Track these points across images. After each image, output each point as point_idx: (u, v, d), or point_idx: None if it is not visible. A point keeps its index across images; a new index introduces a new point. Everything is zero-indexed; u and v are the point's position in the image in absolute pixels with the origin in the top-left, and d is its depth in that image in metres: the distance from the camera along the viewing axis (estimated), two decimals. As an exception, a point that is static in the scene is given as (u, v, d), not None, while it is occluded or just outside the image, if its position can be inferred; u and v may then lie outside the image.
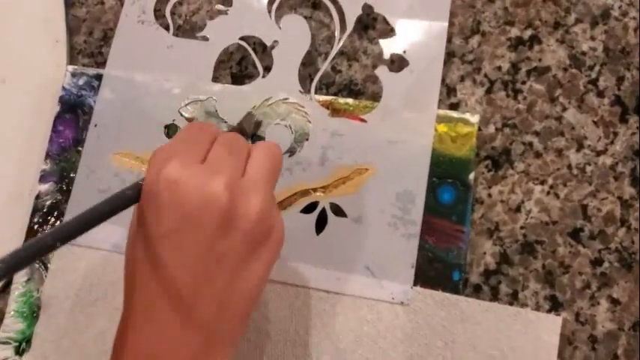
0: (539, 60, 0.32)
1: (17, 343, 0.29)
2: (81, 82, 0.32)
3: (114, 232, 0.30)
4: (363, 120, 0.30)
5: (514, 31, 0.33)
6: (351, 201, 0.29)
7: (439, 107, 0.31)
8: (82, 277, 0.29)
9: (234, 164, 0.21)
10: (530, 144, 0.31)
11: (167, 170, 0.20)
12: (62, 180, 0.31)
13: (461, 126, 0.30)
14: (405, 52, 0.31)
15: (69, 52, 0.33)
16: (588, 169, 0.31)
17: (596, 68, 0.32)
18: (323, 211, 0.29)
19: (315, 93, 0.31)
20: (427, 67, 0.31)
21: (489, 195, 0.31)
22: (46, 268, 0.29)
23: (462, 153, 0.30)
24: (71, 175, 0.31)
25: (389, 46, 0.32)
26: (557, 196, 0.31)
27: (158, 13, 0.33)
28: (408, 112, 0.30)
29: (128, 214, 0.22)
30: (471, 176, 0.30)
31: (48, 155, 0.31)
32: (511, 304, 0.29)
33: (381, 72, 0.31)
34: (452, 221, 0.29)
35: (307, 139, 0.30)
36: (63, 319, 0.29)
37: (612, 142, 0.31)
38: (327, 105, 0.31)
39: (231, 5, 0.33)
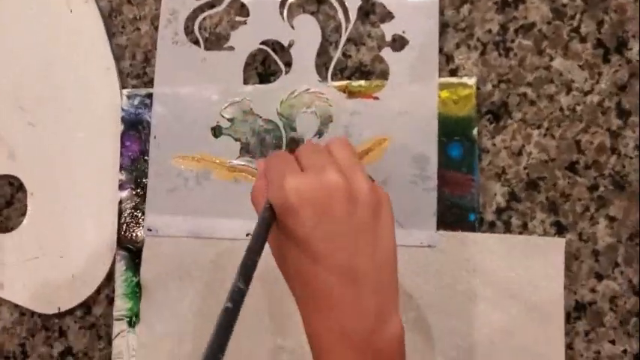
0: (525, 17, 0.36)
1: (129, 318, 0.36)
2: (136, 102, 0.38)
3: (184, 221, 0.36)
4: (376, 98, 0.35)
5: (499, -5, 0.37)
6: (376, 168, 0.35)
7: (440, 75, 0.36)
8: (168, 261, 0.36)
9: (328, 158, 0.25)
10: (525, 94, 0.36)
11: (287, 184, 0.23)
12: (137, 186, 0.37)
13: (461, 89, 0.35)
14: (404, 32, 0.36)
15: (119, 76, 0.39)
16: (578, 108, 0.35)
17: (577, 17, 0.36)
18: (353, 179, 0.35)
19: (332, 79, 0.36)
20: (425, 42, 0.35)
21: (494, 144, 0.36)
22: (139, 257, 0.37)
23: (464, 113, 0.35)
24: (144, 180, 0.37)
25: (390, 29, 0.36)
26: (553, 136, 0.35)
27: (187, 30, 0.39)
28: (414, 85, 0.35)
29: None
30: (475, 132, 0.35)
31: (122, 167, 0.37)
32: (522, 233, 0.35)
33: (386, 53, 0.36)
34: (462, 172, 0.34)
35: (332, 121, 0.36)
36: (160, 295, 0.36)
37: (597, 82, 0.35)
38: (343, 89, 0.36)
39: (248, 15, 0.37)
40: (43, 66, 0.40)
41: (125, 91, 0.38)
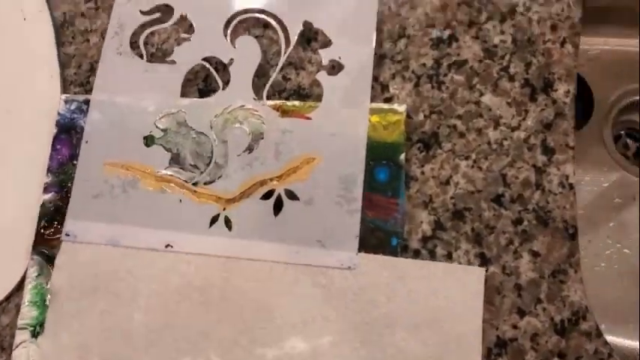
0: (458, 55, 0.38)
1: (32, 328, 0.34)
2: (73, 107, 0.38)
3: (105, 229, 0.35)
4: (308, 118, 0.36)
5: (435, 32, 0.38)
6: (302, 186, 0.35)
7: (373, 101, 0.37)
8: (83, 268, 0.35)
9: None
10: (455, 126, 0.37)
11: None
12: (62, 189, 0.36)
13: (390, 115, 0.35)
14: (340, 58, 0.37)
15: (62, 83, 0.40)
16: (505, 143, 0.36)
17: (507, 57, 0.37)
18: (279, 196, 0.35)
19: (268, 99, 0.37)
20: (360, 69, 0.36)
21: (422, 172, 0.36)
22: (53, 264, 0.35)
23: (393, 138, 0.35)
24: (69, 184, 0.36)
25: (327, 54, 0.37)
26: (480, 168, 0.36)
27: (134, 45, 0.39)
28: (346, 108, 0.36)
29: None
30: (402, 157, 0.35)
31: (49, 170, 0.37)
32: (445, 262, 0.34)
33: (322, 76, 0.37)
34: (387, 196, 0.34)
35: (262, 138, 0.36)
36: (70, 304, 0.34)
37: (524, 119, 0.36)
38: (277, 108, 0.36)
39: (193, 32, 0.39)
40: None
41: (63, 96, 0.38)
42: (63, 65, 0.40)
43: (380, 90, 0.38)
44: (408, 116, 0.37)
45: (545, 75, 0.37)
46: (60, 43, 0.41)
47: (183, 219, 0.35)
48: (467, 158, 0.36)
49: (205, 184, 0.35)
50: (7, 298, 0.37)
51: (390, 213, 0.34)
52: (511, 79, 0.37)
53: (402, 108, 0.36)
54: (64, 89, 0.40)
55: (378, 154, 0.35)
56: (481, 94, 0.37)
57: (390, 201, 0.34)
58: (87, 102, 0.38)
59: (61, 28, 0.41)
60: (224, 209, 0.35)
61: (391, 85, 0.38)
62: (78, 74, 0.40)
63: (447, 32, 0.38)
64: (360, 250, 0.34)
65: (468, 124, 0.37)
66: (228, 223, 0.35)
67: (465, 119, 0.37)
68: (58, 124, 0.38)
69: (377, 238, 0.34)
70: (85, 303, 0.34)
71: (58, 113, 0.38)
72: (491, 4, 0.38)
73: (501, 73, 0.37)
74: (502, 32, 0.38)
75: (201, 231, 0.35)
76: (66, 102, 0.38)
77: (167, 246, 0.35)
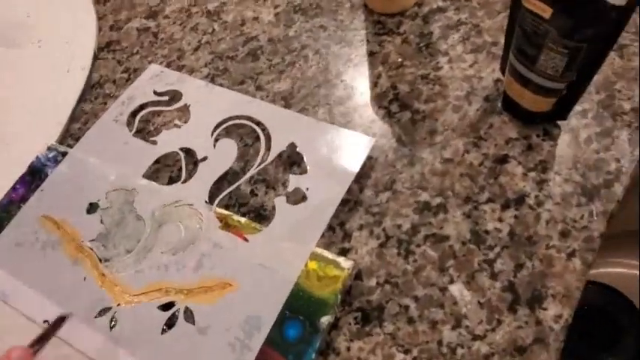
0: (441, 228, 0.32)
1: None
2: (51, 155, 0.38)
3: (4, 280, 0.33)
4: (245, 239, 0.32)
5: (424, 196, 0.34)
6: (205, 311, 0.30)
7: (331, 249, 0.32)
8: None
9: None
10: (407, 308, 0.30)
11: None
12: (-3, 227, 0.36)
13: (331, 268, 0.30)
14: (307, 189, 0.33)
15: (62, 134, 0.41)
16: (460, 352, 0.28)
17: (496, 250, 0.31)
18: (176, 313, 0.30)
19: (226, 208, 0.34)
20: (321, 207, 0.32)
21: (348, 348, 0.29)
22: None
23: (322, 294, 0.29)
24: (5, 224, 0.36)
25: (297, 181, 0.34)
26: (417, 370, 0.28)
27: (131, 116, 0.40)
28: (288, 243, 0.31)
29: None
30: (324, 320, 0.29)
31: (-2, 204, 0.37)
32: None
33: (280, 202, 0.33)
34: (287, 360, 0.28)
35: (193, 244, 0.32)
36: None
37: (494, 330, 0.29)
38: (222, 219, 0.33)
39: (186, 123, 0.38)
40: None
41: (50, 143, 0.39)
42: (73, 118, 0.42)
43: (341, 237, 0.33)
44: (358, 277, 0.31)
45: (536, 286, 0.30)
46: (82, 99, 0.43)
47: (77, 299, 0.32)
48: (406, 352, 0.29)
49: (118, 270, 0.32)
50: None
51: (282, 383, 0.27)
52: (493, 276, 0.30)
53: (347, 264, 0.30)
54: (62, 139, 0.41)
55: (299, 306, 0.29)
56: (451, 281, 0.30)
57: (288, 368, 0.28)
58: (65, 154, 0.38)
59: (91, 87, 0.44)
60: (118, 305, 0.31)
61: (355, 236, 0.33)
62: (81, 130, 0.42)
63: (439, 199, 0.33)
64: (228, 413, 0.27)
65: (422, 311, 0.30)
66: (113, 320, 0.30)
67: (422, 304, 0.30)
68: (30, 165, 0.38)
69: (254, 408, 0.27)
70: None
71: (37, 156, 0.38)
72: (499, 186, 0.33)
73: (483, 266, 0.31)
74: (500, 220, 0.32)
75: (87, 318, 0.31)
76: (49, 149, 0.39)
77: (44, 322, 0.31)
